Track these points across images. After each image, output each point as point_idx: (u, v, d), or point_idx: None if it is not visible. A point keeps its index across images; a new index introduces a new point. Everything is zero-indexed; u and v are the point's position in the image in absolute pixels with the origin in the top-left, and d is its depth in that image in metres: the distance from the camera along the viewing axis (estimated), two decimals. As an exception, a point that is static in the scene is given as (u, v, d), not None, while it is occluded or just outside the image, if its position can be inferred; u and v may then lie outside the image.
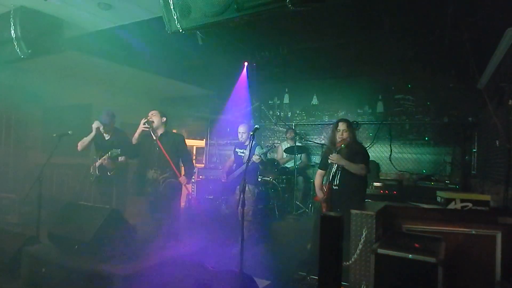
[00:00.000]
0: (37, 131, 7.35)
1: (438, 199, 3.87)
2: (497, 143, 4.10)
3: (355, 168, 3.53)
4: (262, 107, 7.86)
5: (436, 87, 6.19)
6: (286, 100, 7.69)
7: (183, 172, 4.14)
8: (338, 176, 3.63)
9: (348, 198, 3.52)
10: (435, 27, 4.48)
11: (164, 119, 4.11)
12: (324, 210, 3.71)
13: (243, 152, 4.85)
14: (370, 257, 2.44)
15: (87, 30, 4.37)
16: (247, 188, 4.80)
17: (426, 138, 6.32)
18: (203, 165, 8.23)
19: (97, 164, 4.55)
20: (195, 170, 6.99)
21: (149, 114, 4.07)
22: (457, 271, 2.61)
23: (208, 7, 2.77)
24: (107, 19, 4.06)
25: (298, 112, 7.57)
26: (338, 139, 3.67)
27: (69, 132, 3.98)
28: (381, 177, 6.13)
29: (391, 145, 6.46)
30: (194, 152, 8.40)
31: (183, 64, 6.18)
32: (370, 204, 3.65)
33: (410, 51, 5.41)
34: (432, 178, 5.69)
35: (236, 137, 5.11)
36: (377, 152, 6.52)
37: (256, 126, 3.51)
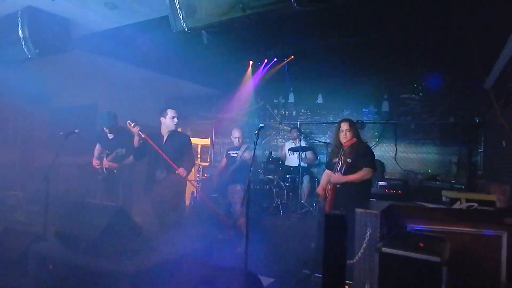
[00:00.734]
0: (43, 131, 7.42)
1: (444, 198, 3.86)
2: (504, 144, 4.07)
3: (359, 177, 3.52)
4: (267, 106, 7.87)
5: (442, 87, 6.15)
6: (291, 99, 7.68)
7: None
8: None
9: (352, 197, 3.51)
10: (442, 27, 4.46)
11: (176, 120, 4.05)
12: (327, 209, 3.72)
13: (235, 153, 4.92)
14: (374, 256, 2.45)
15: (94, 29, 4.41)
16: (238, 187, 4.86)
17: (432, 138, 6.28)
18: (207, 164, 8.26)
19: (103, 163, 4.60)
20: (200, 168, 7.04)
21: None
22: (461, 271, 2.60)
23: (213, 6, 2.79)
24: (113, 18, 4.09)
25: (303, 111, 7.56)
26: (343, 140, 3.67)
27: (76, 130, 4.02)
28: (386, 177, 6.11)
29: (397, 145, 6.44)
30: (199, 150, 8.43)
31: (189, 63, 6.20)
32: (374, 203, 3.64)
33: (416, 50, 5.38)
34: (438, 178, 5.67)
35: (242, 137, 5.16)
36: (382, 151, 6.50)
37: (261, 124, 3.51)
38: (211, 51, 5.28)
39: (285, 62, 6.46)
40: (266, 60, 6.58)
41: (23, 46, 3.81)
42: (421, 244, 2.44)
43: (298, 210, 5.68)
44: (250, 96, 7.41)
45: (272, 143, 7.76)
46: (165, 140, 3.99)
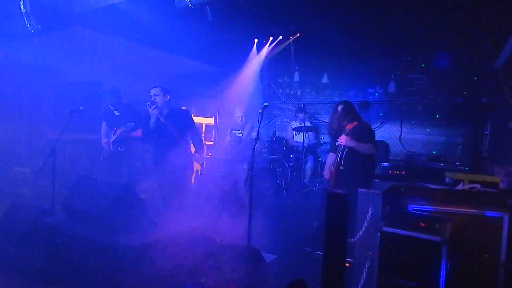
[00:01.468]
0: (49, 107, 7.44)
1: (447, 180, 3.86)
2: (511, 125, 4.03)
3: (364, 148, 3.56)
4: (272, 85, 7.79)
5: (450, 67, 6.03)
6: (296, 78, 7.58)
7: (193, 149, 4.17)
8: (344, 157, 3.66)
9: (355, 178, 3.56)
10: (451, 4, 4.33)
11: (168, 96, 4.03)
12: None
13: (240, 133, 4.91)
14: (375, 235, 2.48)
15: (97, 5, 4.33)
16: (245, 166, 4.90)
17: (437, 117, 6.22)
18: (212, 143, 8.28)
19: (112, 139, 4.63)
20: (205, 147, 7.06)
21: (151, 92, 4.00)
22: (462, 251, 2.64)
23: (218, -19, 2.72)
24: (116, -7, 4.01)
25: (308, 90, 7.48)
26: (343, 122, 3.68)
27: (80, 107, 4.03)
28: (390, 158, 6.11)
29: (402, 126, 6.39)
30: (204, 129, 8.43)
31: (193, 41, 6.11)
32: (377, 183, 3.67)
33: (424, 29, 5.25)
34: (442, 159, 5.65)
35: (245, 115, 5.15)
36: (387, 132, 6.46)
37: (265, 103, 3.49)
38: (215, 29, 5.19)
39: (291, 40, 6.35)
40: (271, 38, 6.46)
41: (25, 22, 3.77)
42: (422, 224, 2.46)
43: (301, 190, 5.73)
44: (255, 74, 7.32)
45: (277, 122, 7.72)
46: (167, 117, 3.98)
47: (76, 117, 3.97)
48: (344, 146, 3.64)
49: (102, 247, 2.81)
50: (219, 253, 2.57)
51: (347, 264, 2.54)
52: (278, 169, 5.76)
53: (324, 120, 6.62)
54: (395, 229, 2.39)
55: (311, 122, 6.64)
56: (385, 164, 5.60)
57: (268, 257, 3.24)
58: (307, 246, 3.73)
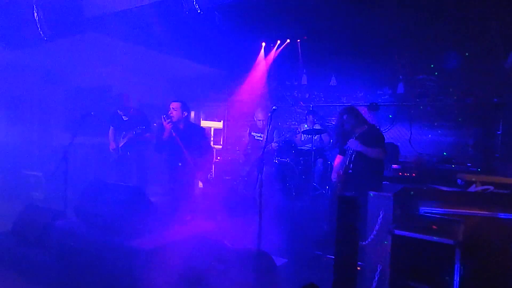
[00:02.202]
0: (60, 111, 7.56)
1: (459, 181, 3.81)
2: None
3: (373, 153, 3.55)
4: (280, 88, 7.79)
5: (460, 67, 5.96)
6: (304, 81, 7.56)
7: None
8: (353, 160, 3.65)
9: (364, 181, 3.55)
10: (461, 3, 4.29)
11: (186, 113, 4.06)
12: (339, 192, 3.76)
13: (260, 136, 4.89)
14: (387, 238, 2.46)
15: (107, 11, 4.39)
16: (264, 169, 4.91)
17: (448, 120, 6.15)
18: (220, 147, 8.31)
19: (120, 144, 4.68)
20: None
21: (171, 106, 4.04)
22: (475, 254, 2.60)
23: (226, -14, 2.74)
24: (126, 0, 4.07)
25: (316, 93, 7.46)
26: (350, 128, 3.68)
27: (91, 113, 4.09)
28: (400, 160, 6.05)
29: (411, 127, 6.33)
30: (212, 133, 8.47)
31: (201, 45, 6.16)
32: (388, 186, 3.64)
33: (433, 29, 5.21)
34: (453, 160, 5.58)
35: (253, 119, 5.15)
36: (397, 134, 6.41)
37: (274, 107, 3.50)
38: (223, 33, 5.23)
39: (298, 43, 6.35)
40: (279, 42, 6.48)
41: (39, 29, 3.85)
42: (434, 227, 2.43)
43: (311, 193, 5.71)
44: (263, 78, 7.34)
45: (285, 125, 7.72)
46: (182, 132, 4.05)
47: (87, 121, 4.02)
48: (350, 149, 3.63)
49: (113, 250, 2.84)
50: (230, 257, 2.57)
51: (358, 268, 2.52)
52: (287, 173, 5.75)
53: (333, 123, 6.59)
54: (407, 232, 2.36)
55: (321, 125, 6.62)
56: (395, 166, 5.55)
57: (279, 261, 3.23)
58: (317, 250, 3.71)
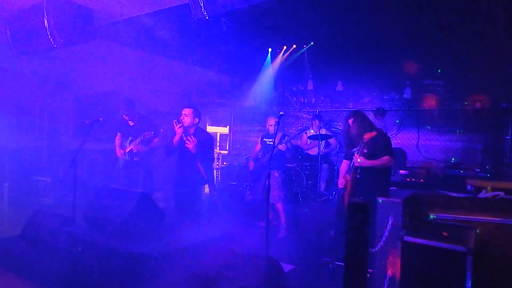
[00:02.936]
0: (68, 117, 7.65)
1: (468, 187, 3.77)
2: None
3: (381, 163, 3.53)
4: (286, 94, 7.80)
5: (468, 72, 5.92)
6: (310, 86, 7.58)
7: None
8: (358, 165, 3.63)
9: (372, 187, 3.53)
10: (468, 7, 4.27)
11: (197, 119, 4.15)
12: (346, 198, 3.74)
13: (271, 141, 4.89)
14: (396, 244, 2.43)
15: (116, 19, 4.46)
16: (276, 174, 4.91)
17: (456, 125, 6.10)
18: (226, 152, 8.33)
19: (127, 149, 4.70)
20: (219, 156, 7.10)
21: (183, 112, 4.13)
22: (487, 261, 2.56)
23: (234, -7, 2.77)
24: (135, 7, 4.12)
25: (322, 98, 7.46)
26: (356, 133, 3.67)
27: (100, 119, 4.13)
28: (407, 165, 6.00)
29: (419, 132, 6.29)
30: (218, 138, 8.50)
31: (208, 51, 6.21)
32: (396, 191, 3.61)
33: (440, 33, 5.19)
34: (462, 166, 5.52)
35: (260, 125, 5.17)
36: (404, 139, 6.37)
37: (281, 112, 3.51)
38: (230, 38, 5.26)
39: (305, 48, 6.37)
40: (285, 47, 6.50)
41: (49, 36, 3.90)
42: (445, 233, 2.41)
43: (317, 198, 5.68)
44: (269, 83, 7.36)
45: (291, 130, 7.72)
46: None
47: (96, 127, 4.06)
48: (360, 152, 3.60)
49: (121, 255, 2.85)
50: (238, 263, 2.57)
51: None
52: (293, 178, 5.73)
53: (339, 128, 6.58)
54: (417, 239, 2.34)
55: (327, 130, 6.61)
56: (402, 171, 5.51)
57: (286, 267, 3.21)
58: (325, 256, 3.69)
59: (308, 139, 6.53)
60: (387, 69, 6.61)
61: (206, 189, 5.49)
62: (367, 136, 3.55)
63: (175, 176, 4.26)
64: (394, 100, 6.67)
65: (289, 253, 3.66)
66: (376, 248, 2.66)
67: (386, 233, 2.66)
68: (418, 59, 6.32)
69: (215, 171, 6.59)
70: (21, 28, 4.21)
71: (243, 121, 8.24)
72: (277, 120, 3.44)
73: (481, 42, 5.25)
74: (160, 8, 4.09)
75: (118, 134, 4.97)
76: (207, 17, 3.03)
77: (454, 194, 3.54)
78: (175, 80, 8.12)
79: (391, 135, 6.32)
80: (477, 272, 2.25)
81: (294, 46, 6.36)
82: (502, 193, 3.24)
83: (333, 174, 6.14)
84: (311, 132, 6.50)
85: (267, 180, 3.15)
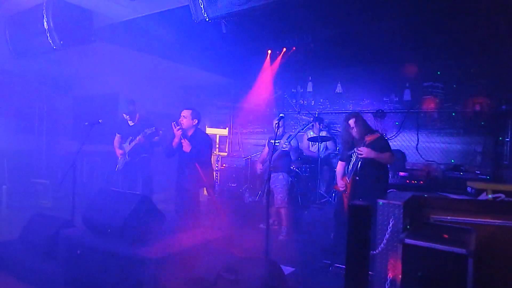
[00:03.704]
0: (67, 119, 7.63)
1: (469, 189, 3.77)
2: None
3: (385, 157, 3.54)
4: (285, 96, 7.81)
5: (467, 74, 5.93)
6: (309, 88, 7.57)
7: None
8: (360, 167, 3.62)
9: (371, 189, 3.54)
10: (468, 10, 4.28)
11: (196, 121, 4.11)
12: (345, 200, 3.73)
13: (278, 142, 4.92)
14: (397, 247, 2.42)
15: (115, 20, 4.46)
16: (281, 176, 4.87)
17: (456, 127, 6.10)
18: (226, 154, 8.32)
19: (128, 150, 4.68)
20: (218, 158, 7.09)
21: (181, 113, 4.10)
22: (487, 263, 2.55)
23: (234, -5, 2.77)
24: (134, 9, 4.12)
25: (321, 100, 7.46)
26: (357, 135, 3.67)
27: (99, 121, 4.12)
28: (407, 167, 6.00)
29: (418, 134, 6.30)
30: (217, 140, 8.49)
31: (207, 52, 6.21)
32: (396, 193, 3.60)
33: (440, 36, 5.20)
34: (461, 168, 5.52)
35: (259, 126, 5.16)
36: (404, 141, 6.37)
37: (281, 114, 3.51)
38: (229, 40, 5.27)
39: (304, 50, 6.37)
40: (284, 49, 6.51)
41: (48, 38, 3.90)
42: (446, 236, 2.40)
43: (317, 200, 5.67)
44: (269, 85, 7.36)
45: (290, 132, 7.71)
46: (189, 139, 4.07)
47: (95, 129, 4.05)
48: (357, 155, 3.60)
49: (121, 258, 2.83)
50: (238, 266, 2.55)
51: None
52: (293, 180, 5.72)
53: (339, 130, 6.58)
54: (418, 241, 2.33)
55: (327, 132, 6.61)
56: (402, 173, 5.51)
57: (286, 270, 3.20)
58: (325, 258, 3.67)
59: (309, 141, 6.53)
60: (386, 71, 6.63)
61: (205, 191, 5.47)
62: (370, 138, 3.55)
63: (174, 178, 4.23)
64: (393, 102, 6.68)
65: (290, 256, 3.65)
66: (377, 251, 2.65)
67: (387, 236, 2.65)
68: (418, 61, 6.34)
69: (214, 172, 6.57)
70: (21, 30, 4.21)
71: (243, 123, 8.23)
72: (277, 122, 3.44)
73: (480, 45, 5.27)
74: (160, 10, 4.09)
75: (117, 135, 4.96)
76: (207, 19, 3.03)
77: (454, 196, 3.54)
78: (174, 82, 8.12)
79: (391, 137, 6.33)
80: (478, 274, 2.24)
81: (294, 48, 6.36)
82: (502, 195, 3.24)
83: (333, 176, 6.12)
84: (311, 134, 6.50)
85: (266, 183, 3.15)
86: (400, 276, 2.41)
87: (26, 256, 3.54)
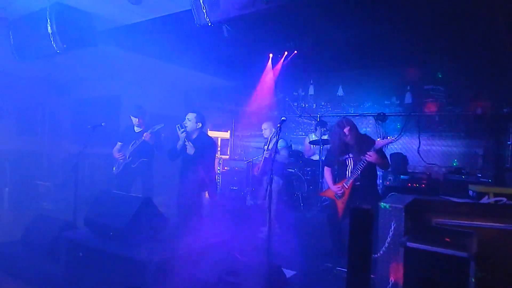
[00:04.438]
0: (69, 122, 7.65)
1: (470, 193, 3.77)
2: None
3: (386, 163, 3.59)
4: (287, 99, 7.82)
5: (469, 77, 5.94)
6: (311, 91, 7.60)
7: None
8: (361, 173, 3.62)
9: (370, 192, 3.57)
10: (468, 14, 4.29)
11: (200, 124, 4.13)
12: (340, 206, 3.73)
13: (266, 146, 4.91)
14: (399, 250, 2.42)
15: (118, 24, 4.49)
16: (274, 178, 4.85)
17: (457, 130, 6.10)
18: (227, 157, 8.33)
19: (130, 150, 4.65)
20: (220, 161, 7.09)
21: (186, 116, 4.12)
22: (489, 267, 2.55)
23: (237, -1, 2.79)
24: (137, 13, 4.15)
25: (323, 103, 7.47)
26: (354, 141, 3.68)
27: (102, 123, 4.13)
28: (408, 170, 6.00)
29: (420, 137, 6.29)
30: (219, 143, 8.51)
31: (209, 56, 6.23)
32: (398, 197, 3.61)
33: (441, 39, 5.21)
34: (463, 171, 5.52)
35: (261, 130, 5.17)
36: (405, 144, 6.37)
37: (282, 118, 3.51)
38: (231, 44, 5.28)
39: (305, 54, 6.38)
40: (286, 53, 6.53)
41: (52, 41, 3.93)
42: (447, 239, 2.40)
43: (319, 203, 5.67)
44: (270, 88, 7.38)
45: (292, 136, 7.72)
46: (193, 142, 4.08)
47: (97, 131, 4.06)
48: (363, 162, 3.59)
49: (122, 261, 2.83)
50: (240, 269, 2.56)
51: (369, 281, 2.48)
52: (295, 183, 5.73)
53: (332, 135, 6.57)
54: (420, 245, 2.33)
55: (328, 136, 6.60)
56: (404, 176, 5.51)
57: (288, 273, 3.19)
58: (326, 261, 3.67)
59: (310, 145, 6.53)
60: (388, 74, 6.64)
61: (207, 194, 5.47)
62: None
63: (175, 181, 4.25)
64: (395, 105, 6.69)
65: (291, 259, 3.64)
66: (379, 254, 2.66)
67: (389, 239, 2.65)
68: (419, 64, 6.35)
69: (216, 176, 6.58)
70: (25, 33, 4.24)
71: (244, 126, 8.25)
72: (278, 125, 3.44)
73: (482, 47, 5.27)
74: (162, 14, 4.12)
75: (118, 143, 4.89)
76: (209, 23, 3.05)
77: (456, 200, 3.53)
78: (176, 85, 8.15)
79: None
80: (479, 278, 2.24)
81: (295, 51, 6.38)
82: (504, 199, 3.24)
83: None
84: (313, 137, 6.50)
85: (268, 186, 3.15)
86: (402, 280, 2.42)
87: (28, 258, 3.56)
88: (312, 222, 5.08)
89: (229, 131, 8.60)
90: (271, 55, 6.68)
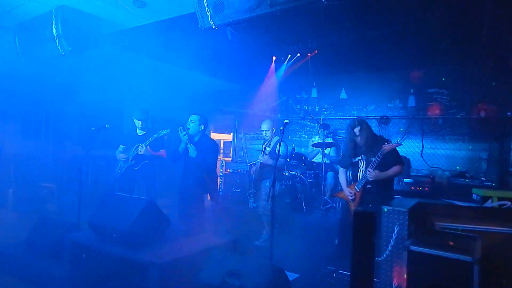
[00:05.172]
0: (73, 124, 7.69)
1: (474, 196, 3.75)
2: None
3: (393, 174, 3.53)
4: (290, 101, 7.84)
5: (472, 80, 5.93)
6: (314, 94, 7.62)
7: None
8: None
9: (379, 195, 3.52)
10: (472, 17, 4.30)
11: (202, 127, 4.14)
12: (353, 208, 3.71)
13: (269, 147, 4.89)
14: (402, 254, 2.42)
15: (123, 27, 4.52)
16: (267, 184, 4.80)
17: (461, 133, 6.08)
18: (230, 159, 8.34)
19: (133, 153, 4.65)
20: (222, 163, 7.11)
21: (189, 118, 4.12)
22: (493, 271, 2.53)
23: (241, 3, 2.81)
24: (142, 16, 4.18)
25: (326, 106, 7.49)
26: (362, 141, 3.65)
27: (106, 126, 4.15)
28: (412, 173, 5.98)
29: (423, 141, 6.28)
30: (222, 145, 8.52)
31: (213, 59, 6.26)
32: (401, 200, 3.59)
33: (444, 42, 5.21)
34: (467, 175, 5.50)
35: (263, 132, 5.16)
36: (408, 147, 6.36)
37: (286, 120, 3.52)
38: (235, 47, 5.31)
39: (309, 57, 6.41)
40: (289, 56, 6.55)
41: (57, 44, 3.96)
42: (451, 243, 2.39)
43: (322, 206, 5.66)
44: (273, 91, 7.40)
45: (295, 138, 7.73)
46: (196, 144, 4.09)
47: (102, 134, 4.08)
48: (372, 164, 3.56)
49: (126, 263, 2.84)
50: (243, 271, 2.56)
51: (372, 284, 2.47)
52: (297, 186, 5.72)
53: (343, 136, 6.58)
54: (423, 248, 2.32)
55: (332, 138, 6.61)
56: (407, 180, 5.50)
57: (291, 276, 3.19)
58: (329, 264, 3.66)
59: (313, 147, 6.54)
60: (391, 77, 6.64)
61: (209, 196, 5.47)
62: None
63: (177, 184, 4.25)
64: (398, 108, 6.68)
65: (294, 262, 3.64)
66: (382, 257, 2.65)
67: (392, 242, 2.65)
68: (423, 68, 6.34)
69: (218, 178, 6.59)
70: (30, 36, 4.28)
71: (247, 128, 8.27)
72: (281, 128, 3.45)
73: (485, 51, 5.27)
74: (167, 17, 4.15)
75: (121, 146, 4.90)
76: (213, 27, 3.07)
77: (459, 203, 3.52)
78: (180, 87, 8.18)
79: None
80: (483, 282, 2.23)
81: (298, 54, 6.41)
82: (508, 203, 3.23)
83: (338, 182, 6.13)
84: (316, 139, 6.51)
85: (271, 188, 3.16)
86: (405, 283, 2.41)
87: (32, 259, 3.56)
88: (314, 225, 5.07)
89: (232, 133, 8.62)
90: (274, 57, 6.71)
